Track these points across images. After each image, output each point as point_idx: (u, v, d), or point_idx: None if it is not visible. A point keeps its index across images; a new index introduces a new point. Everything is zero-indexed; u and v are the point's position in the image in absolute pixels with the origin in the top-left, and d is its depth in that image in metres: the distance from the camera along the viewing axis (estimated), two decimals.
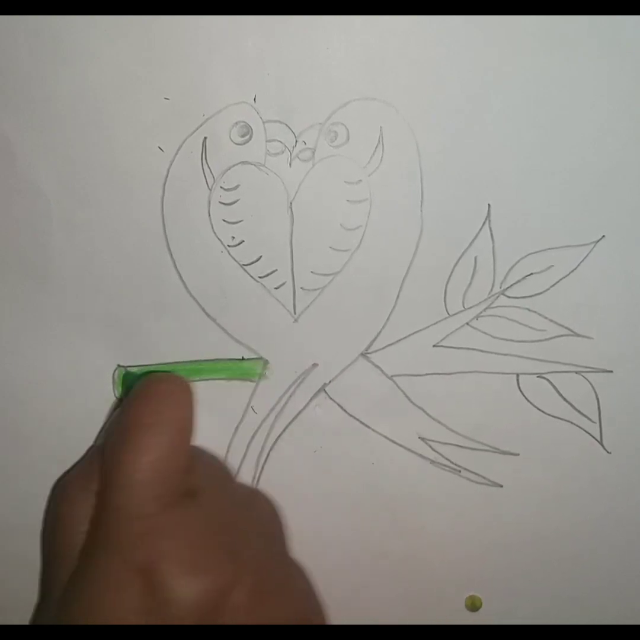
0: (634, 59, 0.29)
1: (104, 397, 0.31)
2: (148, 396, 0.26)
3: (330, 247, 0.30)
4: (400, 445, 0.32)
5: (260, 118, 0.29)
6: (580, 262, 0.30)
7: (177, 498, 0.25)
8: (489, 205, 0.30)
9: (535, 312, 0.31)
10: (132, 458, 0.24)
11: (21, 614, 0.32)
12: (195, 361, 0.31)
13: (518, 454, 0.32)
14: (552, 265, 0.30)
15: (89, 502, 0.26)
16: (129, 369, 0.31)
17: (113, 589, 0.23)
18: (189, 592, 0.23)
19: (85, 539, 0.25)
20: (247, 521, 0.27)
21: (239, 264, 0.30)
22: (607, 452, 0.32)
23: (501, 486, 0.32)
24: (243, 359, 0.31)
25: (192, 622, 0.23)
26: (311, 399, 0.31)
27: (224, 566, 0.24)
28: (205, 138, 0.29)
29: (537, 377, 0.31)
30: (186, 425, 0.26)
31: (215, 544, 0.25)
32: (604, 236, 0.30)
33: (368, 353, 0.31)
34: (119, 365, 0.31)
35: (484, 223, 0.30)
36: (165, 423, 0.25)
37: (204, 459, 0.29)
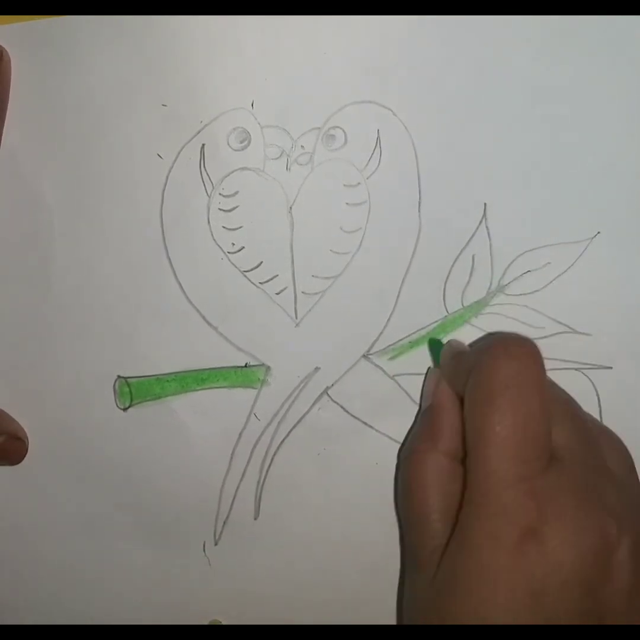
0: (631, 59, 0.29)
1: (105, 406, 0.31)
2: (505, 357, 0.25)
3: (331, 250, 0.30)
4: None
5: (258, 123, 0.29)
6: (577, 258, 0.30)
7: (548, 460, 0.25)
8: (485, 204, 0.30)
9: (533, 309, 0.31)
10: (499, 419, 0.24)
11: (21, 614, 0.32)
12: (197, 370, 0.31)
13: None
14: (549, 262, 0.30)
15: (438, 462, 0.26)
16: (129, 379, 0.31)
17: (501, 550, 0.24)
18: (576, 555, 0.23)
19: (452, 501, 0.26)
20: (608, 471, 0.26)
21: (240, 271, 0.30)
22: None
23: None
24: (246, 365, 0.31)
25: (577, 586, 0.23)
26: (314, 403, 0.31)
27: (607, 526, 0.24)
28: (203, 145, 0.29)
29: None
30: (544, 385, 0.26)
31: (594, 505, 0.24)
32: (599, 232, 0.30)
33: (369, 354, 0.31)
34: (119, 376, 0.31)
35: (480, 222, 0.30)
36: (526, 384, 0.25)
37: (557, 414, 0.27)
